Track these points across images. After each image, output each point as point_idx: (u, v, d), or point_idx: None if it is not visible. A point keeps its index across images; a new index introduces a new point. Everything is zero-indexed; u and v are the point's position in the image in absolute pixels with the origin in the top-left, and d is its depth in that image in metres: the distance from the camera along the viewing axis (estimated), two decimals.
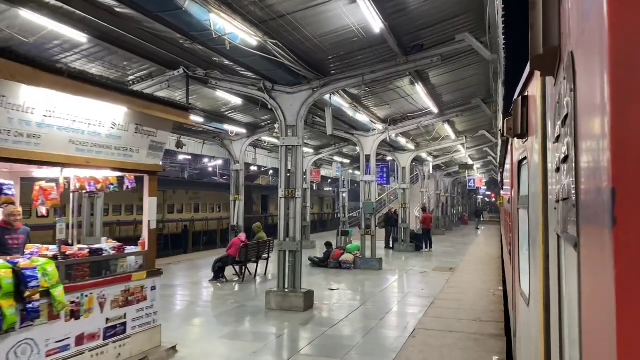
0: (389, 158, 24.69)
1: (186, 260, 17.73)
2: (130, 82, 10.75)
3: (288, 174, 9.91)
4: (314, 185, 48.30)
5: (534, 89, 2.17)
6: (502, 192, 14.02)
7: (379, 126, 15.59)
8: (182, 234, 29.09)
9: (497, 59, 7.85)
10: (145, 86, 10.47)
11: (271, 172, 52.70)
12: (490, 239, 29.97)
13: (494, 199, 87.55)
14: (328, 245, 16.26)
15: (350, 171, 31.33)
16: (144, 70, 10.63)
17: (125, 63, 10.11)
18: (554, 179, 1.62)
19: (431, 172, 27.29)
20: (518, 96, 2.66)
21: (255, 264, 13.84)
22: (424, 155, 25.02)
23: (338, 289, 12.22)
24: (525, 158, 2.72)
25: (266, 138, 19.65)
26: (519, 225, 3.47)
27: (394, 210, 22.97)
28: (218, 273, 12.66)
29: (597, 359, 0.91)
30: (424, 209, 22.53)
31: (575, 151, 1.11)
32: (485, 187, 55.47)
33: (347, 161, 28.33)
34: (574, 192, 1.14)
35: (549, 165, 1.79)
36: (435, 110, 14.86)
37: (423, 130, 16.74)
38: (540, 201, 1.99)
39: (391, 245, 22.07)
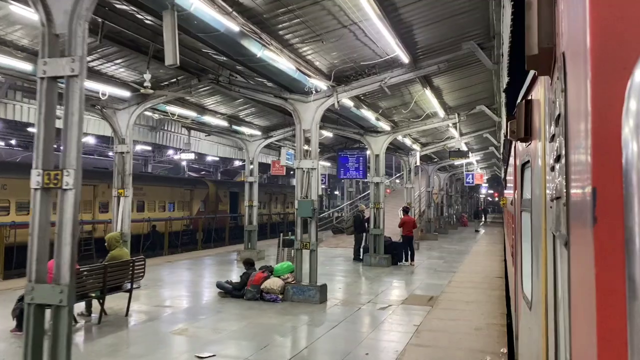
0: (355, 147, 19.42)
1: None
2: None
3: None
4: (264, 178, 42.57)
5: (537, 93, 2.25)
6: (505, 192, 12.94)
7: (322, 84, 10.34)
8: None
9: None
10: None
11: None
12: (491, 246, 24.66)
13: (496, 199, 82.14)
14: (247, 264, 11.03)
15: (325, 163, 26.12)
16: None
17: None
18: (549, 179, 1.69)
19: (418, 163, 22.08)
20: (521, 100, 2.75)
21: (115, 296, 8.66)
22: (407, 141, 19.77)
23: (214, 356, 6.93)
24: (528, 161, 2.78)
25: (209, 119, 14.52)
26: (521, 228, 3.53)
27: (364, 211, 17.74)
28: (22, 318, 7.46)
29: (583, 354, 0.94)
30: (405, 210, 17.36)
31: (565, 151, 1.14)
32: (486, 185, 49.99)
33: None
34: (564, 191, 1.17)
35: (547, 165, 1.86)
36: (404, 58, 9.63)
37: (389, 92, 11.48)
38: (542, 204, 2.05)
39: (361, 257, 16.87)
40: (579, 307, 1.00)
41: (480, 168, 36.57)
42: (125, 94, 11.24)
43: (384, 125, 15.89)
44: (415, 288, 12.55)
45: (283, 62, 8.54)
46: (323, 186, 47.84)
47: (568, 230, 1.14)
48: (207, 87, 12.59)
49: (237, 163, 45.99)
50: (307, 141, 10.61)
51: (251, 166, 17.62)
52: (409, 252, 16.89)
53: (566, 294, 1.20)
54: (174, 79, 11.34)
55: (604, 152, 0.78)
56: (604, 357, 0.77)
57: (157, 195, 28.35)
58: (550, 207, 1.59)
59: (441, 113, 15.46)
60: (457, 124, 16.00)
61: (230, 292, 10.48)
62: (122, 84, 11.05)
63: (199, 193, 32.46)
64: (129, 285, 8.65)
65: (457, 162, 28.55)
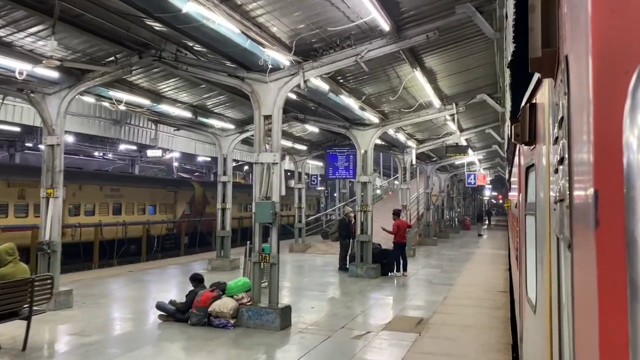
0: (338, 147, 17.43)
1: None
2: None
3: None
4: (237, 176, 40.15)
5: (542, 96, 2.24)
6: (509, 194, 12.17)
7: (283, 59, 8.40)
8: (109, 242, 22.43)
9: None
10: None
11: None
12: (494, 252, 22.63)
13: (501, 201, 79.90)
14: (194, 280, 9.06)
15: (310, 161, 24.21)
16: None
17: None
18: (553, 180, 1.68)
19: (414, 162, 20.08)
20: (526, 103, 2.72)
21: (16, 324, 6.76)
22: (401, 137, 17.79)
23: None
24: (532, 165, 2.78)
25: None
26: (526, 232, 3.56)
27: (352, 214, 15.77)
28: None
29: (586, 356, 0.94)
30: (396, 213, 15.38)
31: (568, 153, 1.15)
32: (490, 186, 47.89)
33: (304, 147, 21.14)
34: (567, 193, 1.18)
35: (551, 167, 1.85)
36: (384, 24, 7.68)
37: (366, 69, 9.49)
38: (547, 207, 2.04)
39: (347, 266, 14.90)
40: (582, 309, 1.01)
41: (484, 168, 34.55)
42: (53, 74, 9.34)
43: (372, 117, 13.94)
44: (404, 307, 10.57)
45: (222, 23, 6.58)
46: (321, 188, 45.26)
47: (571, 233, 1.16)
48: (159, 70, 10.69)
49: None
50: (269, 130, 8.67)
51: (224, 164, 15.69)
52: (401, 261, 14.92)
53: (570, 296, 1.22)
54: (112, 57, 9.42)
55: (606, 155, 0.79)
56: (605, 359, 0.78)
57: (136, 197, 26.42)
58: (554, 209, 1.59)
59: (437, 103, 13.52)
60: (456, 116, 14.03)
61: (172, 314, 8.54)
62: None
63: (184, 195, 30.55)
64: (27, 308, 6.71)
65: (457, 161, 26.57)
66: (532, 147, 2.63)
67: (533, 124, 2.42)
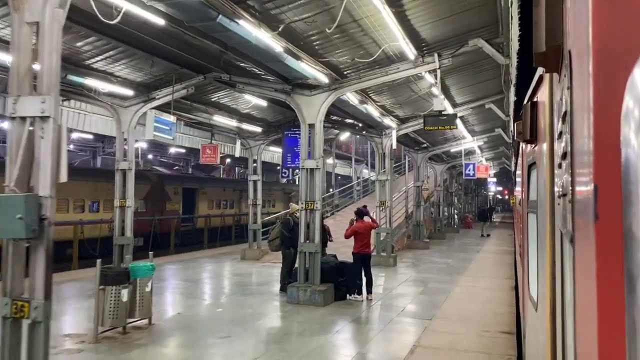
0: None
1: None
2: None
3: None
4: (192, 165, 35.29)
5: (543, 95, 2.24)
6: (515, 189, 11.17)
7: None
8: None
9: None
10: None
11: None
12: (497, 259, 18.30)
13: (506, 196, 75.18)
14: None
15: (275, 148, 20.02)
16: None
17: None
18: (557, 173, 1.69)
19: (394, 146, 15.75)
20: (527, 101, 2.75)
21: None
22: (374, 112, 13.47)
23: None
24: (534, 162, 2.80)
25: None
26: (528, 229, 3.57)
27: (297, 215, 11.47)
28: None
29: (587, 350, 0.93)
30: (359, 214, 11.10)
31: (571, 148, 1.16)
32: (494, 179, 43.30)
33: (257, 128, 16.83)
34: (570, 188, 1.19)
35: (553, 165, 1.88)
36: None
37: None
38: (548, 205, 2.04)
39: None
40: (583, 302, 1.01)
41: (486, 159, 30.13)
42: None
43: (320, 76, 9.66)
44: None
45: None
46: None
47: (573, 227, 1.16)
48: None
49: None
50: None
51: (125, 146, 11.47)
52: (367, 279, 10.68)
53: (572, 290, 1.23)
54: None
55: (605, 150, 0.79)
56: (603, 351, 0.79)
57: (72, 193, 22.16)
58: (558, 204, 1.61)
59: (410, 53, 9.24)
60: (438, 74, 9.70)
61: None
62: None
63: (138, 189, 26.08)
64: None
65: (453, 148, 22.20)
66: (533, 145, 2.68)
67: (535, 122, 2.49)
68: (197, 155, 43.29)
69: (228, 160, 39.57)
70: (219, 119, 14.36)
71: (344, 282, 10.58)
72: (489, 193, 65.00)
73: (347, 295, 10.56)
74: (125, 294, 7.34)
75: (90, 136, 29.13)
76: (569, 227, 1.24)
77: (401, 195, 22.64)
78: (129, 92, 11.02)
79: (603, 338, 0.78)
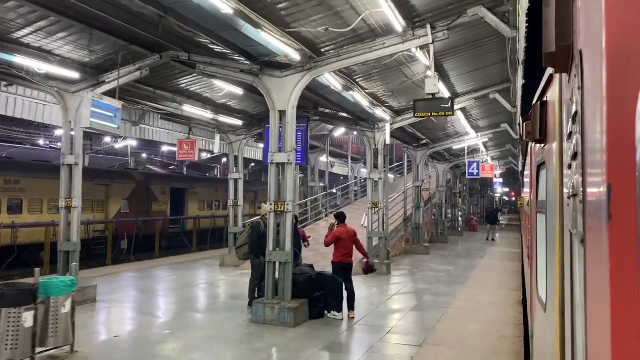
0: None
1: None
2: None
3: None
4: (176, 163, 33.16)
5: (553, 95, 2.22)
6: (523, 190, 10.62)
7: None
8: None
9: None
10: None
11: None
12: (503, 267, 16.61)
13: (513, 198, 73.18)
14: None
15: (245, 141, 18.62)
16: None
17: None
18: (567, 173, 1.66)
19: (388, 140, 14.14)
20: (537, 101, 2.74)
21: None
22: (363, 101, 11.89)
23: None
24: (543, 163, 2.81)
25: None
26: (537, 230, 3.54)
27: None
28: None
29: (600, 351, 0.92)
30: (340, 218, 9.49)
31: (582, 148, 1.14)
32: (501, 180, 41.47)
33: (237, 122, 15.24)
34: (581, 188, 1.17)
35: (563, 165, 1.86)
36: None
37: None
38: (557, 205, 2.03)
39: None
40: (595, 303, 0.99)
41: (492, 158, 28.43)
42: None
43: (290, 52, 8.09)
44: None
45: None
46: (321, 184, 38.03)
47: (584, 227, 1.14)
48: None
49: (203, 155, 37.89)
50: None
51: (72, 132, 9.94)
52: (347, 293, 9.10)
53: (583, 291, 1.20)
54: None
55: (619, 149, 0.79)
56: (617, 352, 0.77)
57: (46, 192, 20.70)
58: (568, 204, 1.59)
59: (398, 24, 7.66)
60: (432, 50, 8.08)
61: None
62: None
63: (121, 189, 24.89)
64: None
65: (456, 145, 20.55)
66: (543, 145, 2.67)
67: (544, 122, 2.44)
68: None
69: (224, 159, 37.99)
70: (190, 110, 12.81)
71: (322, 297, 9.00)
72: (496, 195, 63.08)
73: (326, 312, 8.98)
74: (28, 317, 5.79)
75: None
76: (579, 227, 1.24)
77: (400, 197, 21.02)
78: (74, 75, 9.48)
79: (617, 339, 0.78)
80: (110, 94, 9.84)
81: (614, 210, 0.79)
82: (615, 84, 0.80)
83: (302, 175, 33.91)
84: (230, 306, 9.68)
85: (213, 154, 29.22)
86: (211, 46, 8.79)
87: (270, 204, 8.63)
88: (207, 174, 47.41)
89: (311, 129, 21.21)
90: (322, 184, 28.39)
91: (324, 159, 23.43)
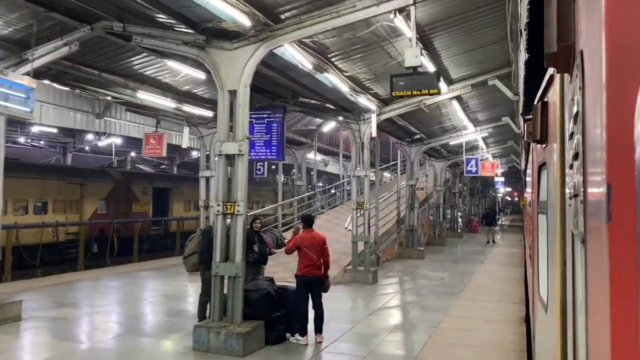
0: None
1: None
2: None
3: None
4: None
5: (554, 95, 2.22)
6: (525, 190, 10.15)
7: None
8: None
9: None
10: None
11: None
12: (504, 270, 14.98)
13: (516, 198, 71.41)
14: None
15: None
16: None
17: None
18: (568, 173, 1.66)
19: (374, 133, 12.57)
20: (538, 101, 2.69)
21: None
22: (341, 86, 10.30)
23: None
24: (544, 163, 2.77)
25: None
26: (538, 230, 3.51)
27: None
28: None
29: (600, 351, 0.92)
30: (305, 220, 7.98)
31: (583, 148, 1.14)
32: (502, 179, 39.84)
33: (209, 113, 13.68)
34: (582, 188, 1.17)
35: (564, 165, 1.86)
36: None
37: None
38: (558, 205, 2.02)
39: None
40: (595, 303, 0.98)
41: (493, 156, 26.79)
42: None
43: (240, 17, 6.53)
44: None
45: None
46: (320, 184, 35.88)
47: (585, 227, 1.14)
48: None
49: (194, 154, 36.06)
50: None
51: None
52: (314, 312, 7.52)
53: (583, 290, 1.20)
54: None
55: (619, 149, 0.78)
56: (617, 351, 0.77)
57: (11, 192, 19.08)
58: (569, 205, 1.59)
59: None
60: (412, 11, 6.48)
61: None
62: None
63: (97, 188, 23.33)
64: None
65: (452, 140, 18.93)
66: (544, 145, 2.62)
67: (545, 122, 2.42)
68: (183, 154, 39.79)
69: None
70: (147, 97, 11.25)
71: (283, 317, 7.43)
72: (499, 195, 61.35)
73: (289, 335, 7.41)
74: None
75: (55, 130, 26.19)
76: (580, 227, 1.25)
77: (393, 196, 19.43)
78: None
79: (616, 339, 0.78)
80: (42, 76, 8.30)
81: (614, 211, 0.79)
82: (615, 83, 0.80)
83: (288, 176, 32.01)
84: (175, 327, 8.09)
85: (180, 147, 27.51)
86: (153, 15, 7.25)
87: (217, 205, 7.05)
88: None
89: (297, 122, 19.64)
90: (320, 184, 26.81)
91: (311, 155, 21.81)
